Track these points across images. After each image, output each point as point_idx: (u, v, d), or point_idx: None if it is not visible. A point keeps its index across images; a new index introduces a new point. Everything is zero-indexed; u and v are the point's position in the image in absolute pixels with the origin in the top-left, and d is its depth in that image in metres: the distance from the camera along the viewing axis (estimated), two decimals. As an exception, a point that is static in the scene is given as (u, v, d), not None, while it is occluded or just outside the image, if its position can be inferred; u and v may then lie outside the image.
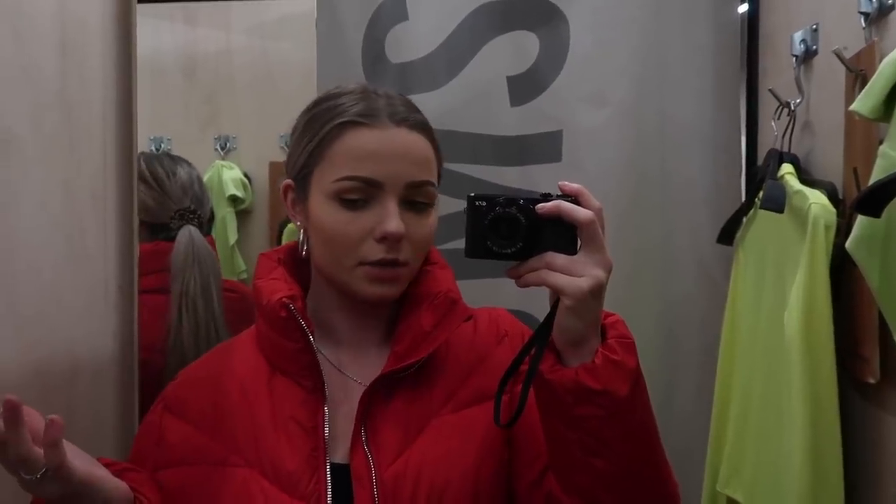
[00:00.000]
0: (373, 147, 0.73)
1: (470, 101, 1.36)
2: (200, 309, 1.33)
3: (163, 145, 2.23)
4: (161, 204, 1.40)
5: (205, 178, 2.24)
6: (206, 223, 1.48)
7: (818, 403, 0.90)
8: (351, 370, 0.78)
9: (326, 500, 0.70)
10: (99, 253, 1.08)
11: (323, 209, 0.74)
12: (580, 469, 0.66)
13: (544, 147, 1.36)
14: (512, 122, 1.37)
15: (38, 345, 0.95)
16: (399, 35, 1.37)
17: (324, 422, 0.73)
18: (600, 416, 0.63)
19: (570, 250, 0.63)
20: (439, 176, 0.79)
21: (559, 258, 0.63)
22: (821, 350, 0.91)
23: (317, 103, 0.78)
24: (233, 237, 2.22)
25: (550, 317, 0.65)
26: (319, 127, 0.75)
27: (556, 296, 0.64)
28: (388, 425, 0.74)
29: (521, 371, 0.68)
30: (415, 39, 1.36)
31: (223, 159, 2.27)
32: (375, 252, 0.72)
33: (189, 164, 1.54)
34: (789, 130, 1.10)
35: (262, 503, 0.71)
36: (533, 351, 0.66)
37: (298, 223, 0.78)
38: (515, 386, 0.71)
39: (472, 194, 0.66)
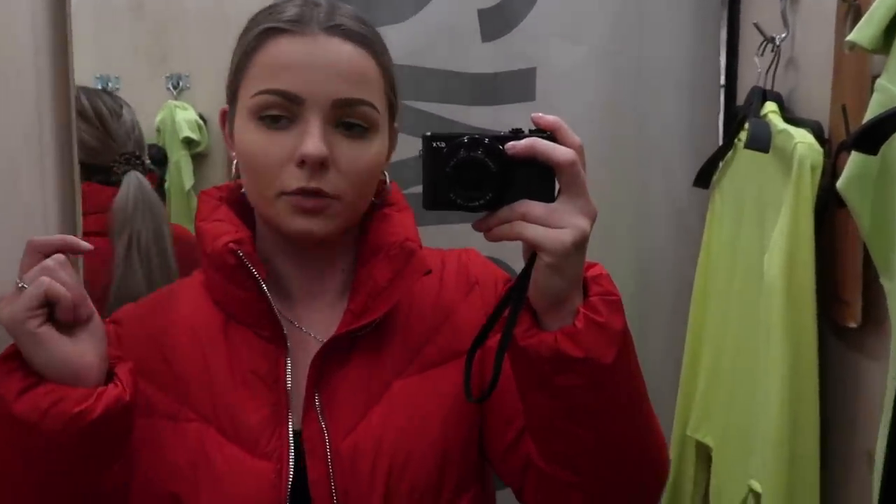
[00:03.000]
0: (294, 56, 0.62)
1: (438, 35, 1.29)
2: (154, 258, 1.26)
3: (110, 84, 2.09)
4: (104, 144, 1.31)
5: (156, 120, 2.14)
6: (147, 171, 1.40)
7: (797, 348, 0.89)
8: (307, 325, 0.69)
9: (289, 459, 0.63)
10: (36, 200, 0.99)
11: (242, 130, 0.64)
12: (559, 437, 0.59)
13: (517, 85, 1.30)
14: (483, 58, 1.30)
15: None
16: (363, -38, 1.27)
17: (285, 374, 0.65)
18: (582, 386, 0.55)
19: (548, 197, 0.54)
20: (392, 105, 0.69)
21: (535, 207, 0.53)
22: (802, 294, 0.89)
23: (257, 13, 0.68)
24: (188, 182, 2.11)
25: (526, 274, 0.55)
26: (242, 39, 0.66)
27: (531, 250, 0.55)
28: (345, 390, 0.66)
29: (495, 330, 0.60)
30: (380, -33, 1.27)
31: (176, 99, 2.14)
32: (295, 179, 0.62)
33: (129, 106, 1.44)
34: (773, 67, 1.05)
35: (220, 462, 0.64)
36: (506, 313, 0.57)
37: (233, 154, 0.68)
38: (490, 341, 0.62)
39: (429, 133, 0.55)
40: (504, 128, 0.56)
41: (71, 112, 1.06)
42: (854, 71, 0.85)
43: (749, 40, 1.21)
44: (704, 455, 1.20)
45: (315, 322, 0.69)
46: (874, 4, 0.72)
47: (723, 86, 1.31)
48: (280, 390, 0.65)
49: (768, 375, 0.92)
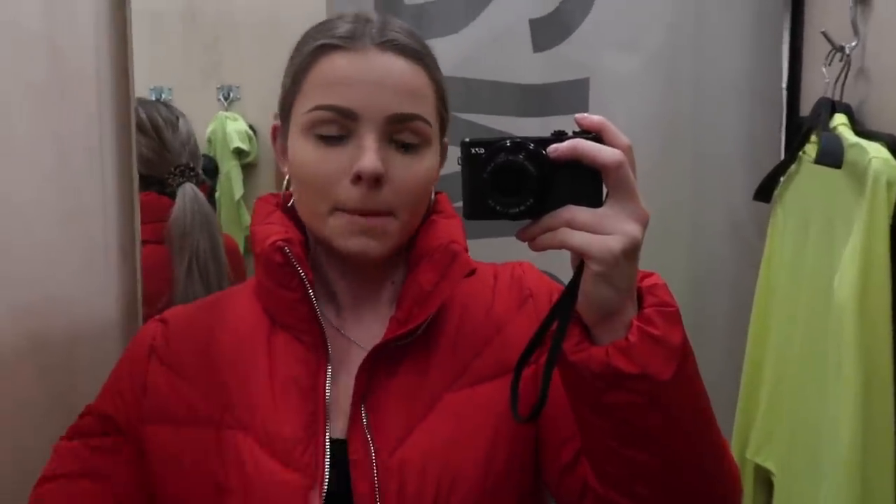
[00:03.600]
0: (348, 72, 0.62)
1: (490, 46, 1.28)
2: (212, 272, 1.29)
3: (163, 95, 2.14)
4: (160, 156, 1.33)
5: (208, 131, 2.18)
6: (200, 182, 1.42)
7: (872, 374, 0.84)
8: (354, 334, 0.68)
9: (324, 474, 0.61)
10: (97, 209, 1.01)
11: (297, 146, 0.64)
12: (614, 460, 0.55)
13: (569, 96, 1.28)
14: (535, 69, 1.29)
15: (33, 310, 0.89)
16: (415, -26, 1.27)
17: (325, 384, 0.64)
18: (638, 404, 0.52)
19: (595, 202, 0.50)
20: (444, 120, 0.68)
21: (581, 212, 0.50)
22: (877, 317, 0.85)
23: (311, 29, 0.68)
24: (238, 191, 2.15)
25: (574, 284, 0.52)
26: (296, 55, 0.66)
27: (579, 259, 0.52)
28: (392, 402, 0.64)
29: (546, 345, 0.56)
30: (431, -21, 1.27)
31: (227, 110, 2.18)
32: (352, 196, 0.61)
33: (185, 117, 1.47)
34: (843, 77, 1.01)
35: (252, 470, 0.62)
36: (554, 326, 0.54)
37: (285, 169, 0.68)
38: (538, 358, 0.60)
39: (468, 139, 0.52)
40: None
41: (131, 125, 1.08)
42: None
43: (814, 48, 1.16)
44: (763, 479, 1.15)
45: (362, 331, 0.68)
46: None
47: (786, 90, 1.27)
48: (318, 400, 0.64)
49: (840, 401, 0.88)
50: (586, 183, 0.51)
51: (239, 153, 2.13)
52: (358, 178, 0.61)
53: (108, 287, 1.05)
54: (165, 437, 0.67)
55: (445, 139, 0.70)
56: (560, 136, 0.51)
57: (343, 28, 0.64)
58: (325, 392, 0.64)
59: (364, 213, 0.62)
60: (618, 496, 0.57)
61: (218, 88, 2.15)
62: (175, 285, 1.27)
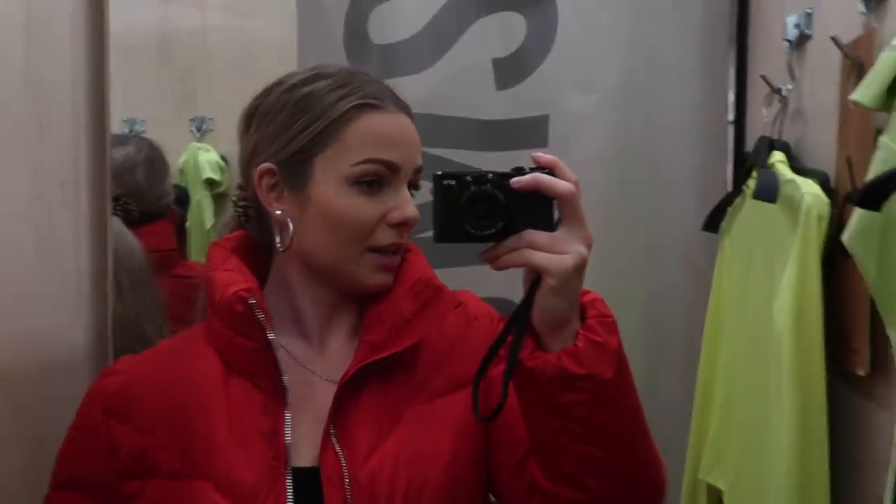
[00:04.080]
0: (391, 131, 0.71)
1: (455, 84, 1.33)
2: (129, 305, 1.24)
3: (136, 127, 2.17)
4: (153, 186, 1.35)
5: (180, 161, 2.21)
6: (139, 212, 1.36)
7: (807, 395, 0.90)
8: (316, 366, 0.73)
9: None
10: (70, 243, 1.03)
11: (335, 193, 0.69)
12: (565, 456, 0.62)
13: (531, 132, 1.34)
14: (498, 106, 1.34)
15: (6, 342, 0.91)
16: (383, 15, 1.33)
17: (283, 427, 0.68)
18: (586, 402, 0.59)
19: (550, 226, 0.59)
20: None
21: (541, 236, 0.58)
22: (811, 342, 0.90)
23: (305, 82, 0.72)
24: (209, 221, 2.18)
25: (529, 299, 0.59)
26: (324, 108, 0.70)
27: (533, 276, 0.59)
28: (360, 421, 0.69)
29: (499, 356, 0.63)
30: (399, 20, 1.33)
31: (199, 141, 2.21)
32: (387, 237, 0.70)
33: (138, 145, 1.44)
34: (779, 117, 1.08)
35: None
36: (511, 337, 0.61)
37: (279, 212, 0.71)
38: (492, 370, 0.65)
39: (439, 173, 0.60)
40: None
41: (106, 159, 1.11)
42: (858, 124, 0.88)
43: (756, 89, 1.24)
44: (715, 498, 1.20)
45: (325, 362, 0.73)
46: (877, 65, 0.75)
47: (733, 126, 1.35)
48: (279, 444, 0.67)
49: (780, 422, 0.93)
50: (542, 210, 0.59)
51: (210, 183, 2.16)
52: (402, 224, 0.70)
53: (79, 320, 1.07)
54: (142, 492, 0.69)
55: None
56: (519, 171, 0.59)
57: (371, 88, 0.72)
58: (284, 435, 0.67)
59: (395, 253, 0.71)
60: (567, 491, 0.64)
61: (191, 120, 2.19)
62: None
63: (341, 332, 0.74)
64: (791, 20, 1.09)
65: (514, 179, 0.58)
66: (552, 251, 0.58)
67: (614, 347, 0.60)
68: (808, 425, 0.90)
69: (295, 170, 0.71)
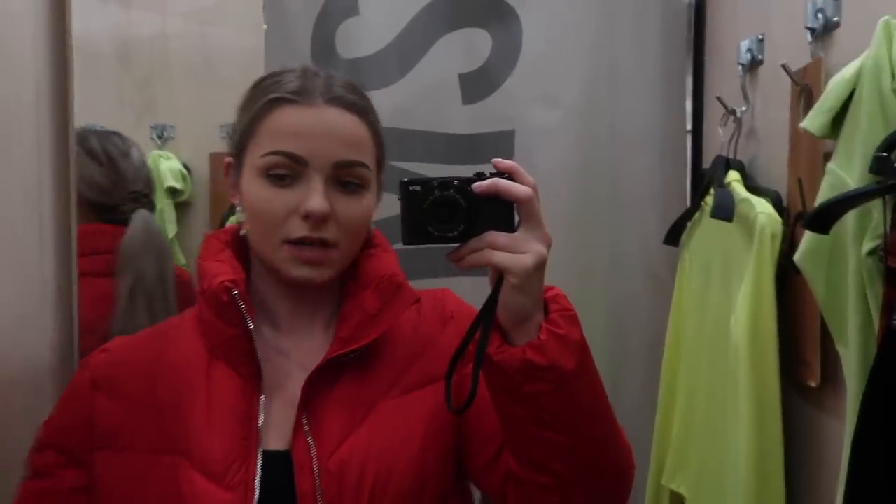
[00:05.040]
0: (300, 124, 0.71)
1: (422, 98, 1.35)
2: (158, 298, 1.28)
3: (95, 133, 2.12)
4: (114, 184, 1.33)
5: (141, 169, 2.17)
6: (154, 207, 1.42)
7: (762, 406, 0.94)
8: (293, 355, 0.76)
9: (254, 489, 0.68)
10: (34, 254, 1.02)
11: (251, 185, 0.72)
12: (534, 443, 0.65)
13: (496, 146, 1.36)
14: (464, 120, 1.36)
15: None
16: (350, 30, 1.33)
17: (258, 412, 0.71)
18: (549, 391, 0.62)
19: (510, 228, 0.62)
20: (381, 162, 0.77)
21: (501, 237, 0.61)
22: (765, 356, 0.94)
23: (259, 80, 0.76)
24: (172, 230, 2.14)
25: (494, 296, 0.63)
26: (253, 103, 0.74)
27: (498, 275, 0.62)
28: (332, 411, 0.72)
29: (469, 353, 0.66)
30: (366, 34, 1.33)
31: (160, 149, 2.17)
32: (299, 229, 0.70)
33: (138, 146, 1.47)
34: (735, 138, 1.13)
35: (189, 493, 0.68)
36: (479, 334, 0.64)
37: (236, 202, 0.76)
38: (464, 368, 0.69)
39: (405, 179, 0.64)
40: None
41: (70, 168, 1.09)
42: (808, 147, 0.92)
43: (712, 109, 1.29)
44: (678, 503, 1.24)
45: (303, 351, 0.75)
46: (824, 94, 0.79)
47: (690, 142, 1.40)
48: (252, 426, 0.71)
49: (737, 431, 0.97)
50: (502, 213, 0.62)
51: (173, 192, 2.12)
52: (307, 216, 0.70)
53: (44, 331, 1.05)
54: (111, 462, 0.73)
55: (382, 177, 0.79)
56: (481, 176, 0.63)
57: (294, 84, 0.72)
58: (258, 419, 0.71)
59: (309, 244, 0.71)
60: (536, 475, 0.67)
61: (151, 127, 2.15)
62: (116, 314, 1.25)
63: (317, 325, 0.77)
64: (744, 45, 1.13)
65: (476, 184, 0.62)
66: (512, 251, 0.61)
67: (576, 339, 0.63)
68: (763, 434, 0.94)
69: (237, 162, 0.75)
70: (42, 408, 1.06)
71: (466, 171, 1.44)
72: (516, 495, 0.70)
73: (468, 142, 1.37)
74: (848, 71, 0.75)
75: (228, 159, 0.78)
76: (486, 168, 1.48)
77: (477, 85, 1.36)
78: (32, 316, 1.03)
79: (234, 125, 0.76)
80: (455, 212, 0.62)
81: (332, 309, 0.77)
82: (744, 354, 0.95)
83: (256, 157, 0.72)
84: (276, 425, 0.72)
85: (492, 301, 0.63)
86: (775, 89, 1.05)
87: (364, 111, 0.74)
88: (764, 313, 0.93)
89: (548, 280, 0.64)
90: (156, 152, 2.16)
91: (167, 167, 2.13)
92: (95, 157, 1.33)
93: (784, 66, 0.94)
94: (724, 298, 1.07)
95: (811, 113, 0.80)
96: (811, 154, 0.91)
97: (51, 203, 1.07)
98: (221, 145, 1.98)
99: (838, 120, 0.77)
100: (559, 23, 1.32)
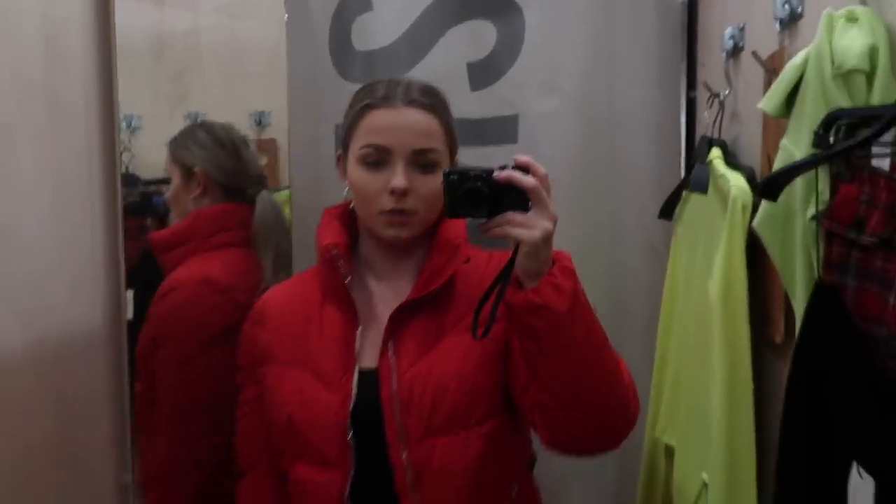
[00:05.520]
0: (386, 123, 0.96)
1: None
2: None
3: (133, 123, 2.28)
4: (239, 169, 1.52)
5: (176, 156, 2.31)
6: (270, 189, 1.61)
7: (734, 360, 1.04)
8: (387, 298, 1.01)
9: (351, 393, 0.95)
10: (86, 237, 1.16)
11: (353, 171, 0.98)
12: (540, 369, 0.85)
13: (502, 130, 1.45)
14: (472, 106, 1.44)
15: (34, 321, 1.03)
16: (364, 24, 1.44)
17: (355, 339, 0.97)
18: (546, 326, 0.81)
19: (524, 209, 0.81)
20: (451, 147, 1.01)
21: (517, 216, 0.81)
22: (737, 315, 1.04)
23: (357, 91, 1.03)
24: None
25: (512, 259, 0.84)
26: (353, 108, 1.01)
27: (515, 244, 0.82)
28: (409, 340, 0.96)
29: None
30: (379, 28, 1.44)
31: (193, 137, 2.30)
32: (388, 202, 0.95)
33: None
34: (719, 118, 1.22)
35: (309, 392, 0.97)
36: (500, 284, 0.86)
37: (345, 183, 1.02)
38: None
39: (447, 170, 0.85)
40: (490, 165, 0.83)
41: (115, 159, 1.23)
42: (775, 128, 1.02)
43: (704, 93, 1.37)
44: (671, 455, 1.34)
45: (394, 295, 1.00)
46: (778, 78, 0.88)
47: (684, 127, 1.48)
48: (351, 350, 0.97)
49: (712, 384, 1.07)
50: (519, 197, 0.82)
51: (206, 177, 2.26)
52: (392, 192, 0.95)
53: (94, 299, 1.20)
54: (267, 375, 1.02)
55: (456, 158, 1.04)
56: (503, 168, 0.83)
57: (381, 91, 0.99)
58: (355, 344, 0.97)
59: (396, 213, 0.96)
60: (544, 395, 0.87)
61: (185, 117, 2.29)
62: (264, 280, 1.44)
63: (404, 275, 1.02)
64: (728, 32, 1.22)
65: (495, 174, 0.82)
66: (525, 227, 0.80)
67: (568, 287, 0.81)
68: (734, 385, 1.04)
69: (344, 154, 1.02)
70: (95, 365, 1.21)
71: (475, 152, 1.59)
72: (536, 412, 0.90)
73: (476, 125, 1.46)
74: (798, 58, 0.84)
75: (339, 153, 1.04)
76: (492, 151, 1.59)
77: (484, 73, 1.45)
78: (85, 286, 1.17)
79: (341, 126, 1.03)
80: (481, 198, 0.82)
81: (416, 263, 1.02)
82: (718, 314, 1.05)
83: (356, 149, 0.98)
84: (369, 349, 0.97)
85: (510, 263, 0.84)
86: (753, 75, 1.14)
87: (436, 109, 0.99)
88: (736, 276, 1.03)
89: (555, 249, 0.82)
90: (189, 140, 2.31)
91: (200, 154, 2.27)
92: (223, 145, 1.53)
93: (754, 54, 1.03)
94: (707, 267, 1.16)
95: (767, 95, 0.89)
96: (777, 133, 1.00)
97: (100, 186, 1.21)
98: (250, 132, 2.11)
99: (790, 101, 0.87)
100: (560, 15, 1.40)
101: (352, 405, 0.95)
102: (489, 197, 0.81)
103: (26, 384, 1.01)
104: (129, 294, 1.35)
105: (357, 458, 0.95)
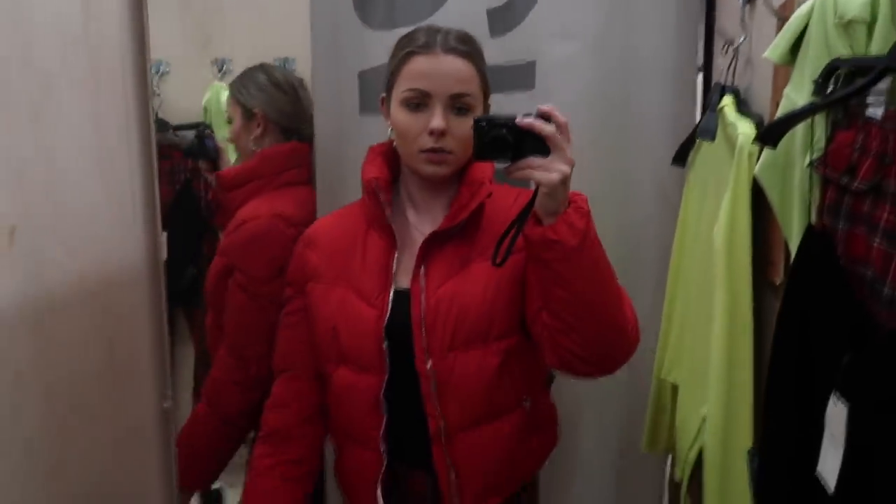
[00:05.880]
0: (425, 68, 1.05)
1: (451, 31, 1.47)
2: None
3: (162, 68, 2.32)
4: (296, 110, 1.62)
5: (203, 100, 2.37)
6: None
7: (735, 300, 1.09)
8: (423, 227, 1.12)
9: (388, 309, 1.08)
10: (125, 176, 1.23)
11: (396, 112, 1.07)
12: (551, 297, 0.94)
13: (520, 76, 1.47)
14: (490, 52, 1.43)
15: (81, 260, 1.11)
16: (386, -31, 1.46)
17: (392, 262, 1.10)
18: (558, 259, 0.90)
19: (544, 153, 0.88)
20: (486, 92, 1.10)
21: (537, 160, 0.88)
22: (739, 256, 1.08)
23: (400, 38, 1.10)
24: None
25: (532, 199, 0.92)
26: (396, 54, 1.09)
27: (535, 185, 0.89)
28: (438, 265, 1.08)
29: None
30: (401, -26, 1.46)
31: (220, 81, 2.36)
32: (427, 141, 1.05)
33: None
34: (733, 66, 1.23)
35: (350, 307, 1.10)
36: (520, 221, 0.95)
37: (388, 123, 1.11)
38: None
39: (477, 117, 0.92)
40: (508, 111, 0.90)
41: (148, 108, 1.29)
42: (784, 76, 1.04)
43: (720, 41, 1.38)
44: (676, 393, 1.41)
45: (429, 225, 1.11)
46: (785, 26, 0.91)
47: (701, 74, 1.49)
48: (388, 272, 1.10)
49: (715, 322, 1.12)
50: (539, 143, 0.89)
51: (232, 120, 2.31)
52: (431, 133, 1.04)
53: (135, 239, 1.28)
54: (313, 291, 1.14)
55: (489, 103, 1.12)
56: (526, 115, 0.89)
57: (422, 39, 1.07)
58: (392, 266, 1.09)
59: (435, 152, 1.05)
60: (553, 320, 0.96)
61: (212, 61, 2.33)
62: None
63: (439, 207, 1.13)
64: (744, -21, 1.23)
65: (517, 120, 0.89)
66: (544, 170, 0.88)
67: (581, 226, 0.89)
68: (734, 325, 1.09)
69: (388, 97, 1.11)
70: (137, 299, 1.30)
71: (494, 98, 1.61)
72: (544, 335, 0.99)
73: (495, 72, 1.47)
74: (804, 7, 0.86)
75: (382, 95, 1.13)
76: (510, 97, 1.61)
77: (502, 19, 1.46)
78: (126, 224, 1.25)
79: (386, 71, 1.11)
80: (505, 143, 0.89)
81: (449, 197, 1.11)
82: (722, 256, 1.09)
83: (399, 92, 1.06)
84: (404, 271, 1.09)
85: (531, 202, 0.92)
86: (767, 23, 1.15)
87: (471, 56, 1.08)
88: (740, 220, 1.07)
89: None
90: (216, 84, 2.36)
91: (227, 97, 2.32)
92: (282, 88, 1.62)
93: (766, 1, 1.05)
94: (715, 212, 1.20)
95: (774, 42, 0.91)
96: (786, 82, 1.03)
97: (137, 131, 1.27)
98: (275, 77, 2.15)
99: (795, 49, 0.89)
100: (576, -42, 1.42)
101: (387, 320, 1.07)
102: (513, 143, 0.88)
103: (77, 314, 1.10)
104: (164, 236, 1.42)
105: (391, 365, 1.08)
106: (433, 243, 1.09)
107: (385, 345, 1.07)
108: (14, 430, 0.94)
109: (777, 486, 0.84)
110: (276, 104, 1.59)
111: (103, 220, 1.17)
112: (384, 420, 1.09)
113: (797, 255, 0.82)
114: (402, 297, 1.08)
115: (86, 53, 1.11)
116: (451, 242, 1.09)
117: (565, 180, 0.88)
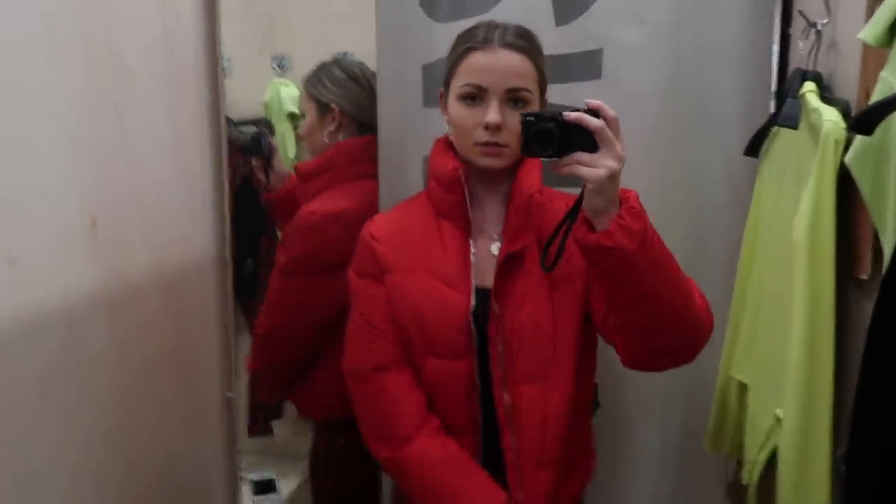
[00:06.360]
0: (483, 64, 1.06)
1: (517, 21, 1.42)
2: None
3: (224, 65, 2.37)
4: (372, 104, 1.60)
5: (265, 97, 2.40)
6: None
7: (816, 297, 1.04)
8: (486, 217, 1.14)
9: (471, 291, 1.09)
10: (198, 170, 1.26)
11: (454, 107, 1.09)
12: (616, 299, 0.95)
13: (585, 65, 1.43)
14: (556, 40, 1.42)
15: (158, 251, 1.14)
16: (450, -39, 1.44)
17: (470, 249, 1.12)
18: (618, 266, 0.88)
19: (592, 149, 0.86)
20: (542, 87, 1.10)
21: (584, 156, 0.86)
22: (823, 251, 1.03)
23: (460, 34, 1.12)
24: (291, 151, 2.38)
25: (580, 198, 0.90)
26: (455, 50, 1.10)
27: (584, 182, 0.87)
28: (512, 288, 1.08)
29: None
30: (465, -36, 1.44)
31: (281, 77, 2.39)
32: (483, 135, 1.06)
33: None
34: (815, 50, 1.18)
35: (433, 291, 1.11)
36: (568, 222, 0.95)
37: (446, 118, 1.13)
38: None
39: (524, 112, 0.92)
40: (573, 103, 0.88)
41: (220, 103, 1.31)
42: (876, 59, 0.98)
43: (799, 23, 1.32)
44: (742, 392, 1.36)
45: (489, 215, 1.14)
46: (883, 4, 0.85)
47: (777, 59, 1.43)
48: (467, 257, 1.11)
49: (793, 320, 1.08)
50: (587, 138, 0.87)
51: (292, 117, 2.34)
52: (487, 127, 1.05)
53: (206, 228, 1.31)
54: (392, 281, 1.13)
55: (545, 97, 1.12)
56: (574, 110, 0.87)
57: (480, 35, 1.07)
58: (470, 252, 1.11)
59: (490, 146, 1.06)
60: (623, 320, 0.97)
61: (272, 58, 2.36)
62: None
63: (496, 197, 1.14)
64: (829, -42, 1.16)
65: (565, 115, 0.87)
66: (591, 166, 0.86)
67: (638, 229, 0.86)
68: (816, 323, 1.04)
69: (446, 92, 1.12)
70: (206, 289, 1.33)
71: (558, 88, 1.58)
72: (617, 336, 1.01)
73: (560, 61, 1.45)
74: (904, -16, 0.81)
75: (441, 90, 1.14)
76: (576, 87, 1.58)
77: (568, 7, 1.42)
78: (199, 217, 1.28)
79: (445, 66, 1.13)
80: (551, 139, 0.88)
81: (506, 189, 1.12)
82: (803, 251, 1.04)
83: (457, 87, 1.08)
84: (480, 258, 1.10)
85: (578, 201, 0.90)
86: (855, 2, 1.09)
87: (528, 51, 1.07)
88: (824, 213, 1.02)
89: (637, 188, 0.88)
90: (277, 80, 2.39)
91: (287, 94, 2.35)
92: (358, 82, 1.63)
93: (856, -20, 0.99)
94: (794, 204, 1.15)
95: (869, 23, 0.86)
96: (879, 65, 0.97)
97: (208, 125, 1.30)
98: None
99: (893, 30, 0.84)
100: (648, -59, 1.37)
101: (472, 306, 1.08)
102: (560, 137, 0.87)
103: (151, 302, 1.13)
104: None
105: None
106: (506, 266, 1.10)
107: (473, 326, 1.08)
108: (93, 417, 0.96)
109: (871, 493, 0.80)
110: (354, 98, 1.60)
111: (178, 211, 1.20)
112: (479, 405, 1.10)
113: (897, 248, 0.77)
114: (481, 295, 1.09)
115: (165, 51, 1.13)
116: (524, 263, 1.10)
117: (613, 177, 0.85)
